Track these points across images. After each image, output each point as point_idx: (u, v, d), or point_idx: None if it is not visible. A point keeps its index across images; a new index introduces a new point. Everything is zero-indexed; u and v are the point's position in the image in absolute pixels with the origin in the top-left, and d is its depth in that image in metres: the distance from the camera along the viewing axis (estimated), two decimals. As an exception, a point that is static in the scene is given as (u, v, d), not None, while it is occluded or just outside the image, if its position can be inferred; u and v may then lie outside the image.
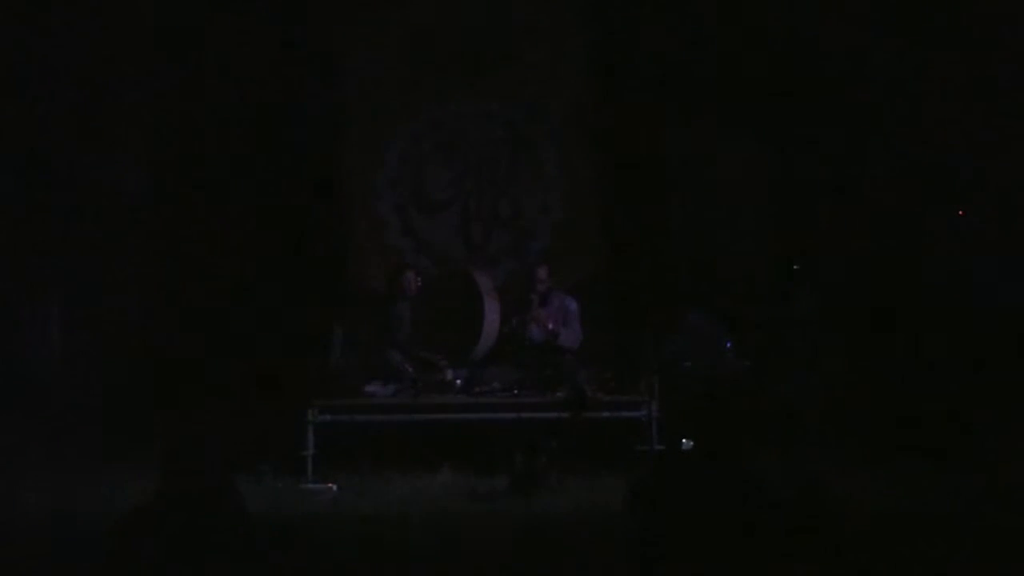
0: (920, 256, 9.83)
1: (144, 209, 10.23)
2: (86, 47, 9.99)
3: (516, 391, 8.78)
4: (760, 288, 9.89)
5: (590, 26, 10.36)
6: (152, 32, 10.12)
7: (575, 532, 6.68)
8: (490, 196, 10.54)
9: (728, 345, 9.17)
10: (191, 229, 10.17)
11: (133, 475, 8.16)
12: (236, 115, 10.15)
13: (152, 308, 10.13)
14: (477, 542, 6.53)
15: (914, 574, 5.80)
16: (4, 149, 9.79)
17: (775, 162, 10.09)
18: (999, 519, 6.57)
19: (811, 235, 9.97)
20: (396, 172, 10.55)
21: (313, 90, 10.34)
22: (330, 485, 7.92)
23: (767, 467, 4.66)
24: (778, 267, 10.06)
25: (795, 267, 10.04)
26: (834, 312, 9.58)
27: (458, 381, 8.90)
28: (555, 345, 9.22)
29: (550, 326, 9.27)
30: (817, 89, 9.91)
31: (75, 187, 10.04)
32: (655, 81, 10.07)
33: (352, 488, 7.92)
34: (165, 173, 10.25)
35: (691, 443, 6.94)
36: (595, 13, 10.34)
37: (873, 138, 9.90)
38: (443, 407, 8.61)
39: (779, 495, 4.46)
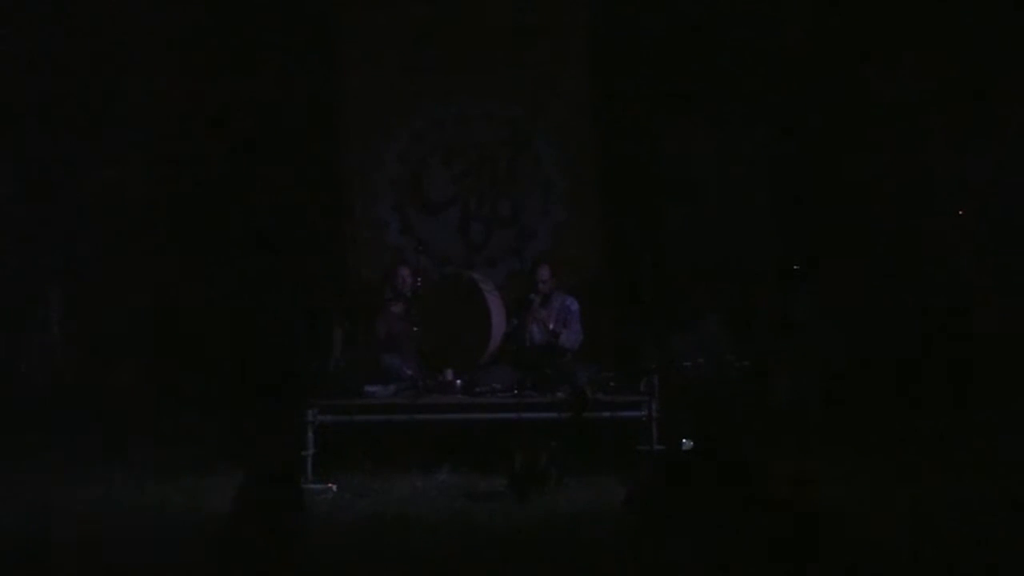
0: (920, 256, 9.84)
1: (144, 209, 10.23)
2: (85, 45, 10.01)
3: (516, 391, 8.77)
4: (760, 288, 9.89)
5: (590, 26, 10.36)
6: (152, 31, 10.13)
7: (575, 532, 6.68)
8: (490, 196, 10.54)
9: (728, 345, 9.17)
10: (191, 229, 10.17)
11: (132, 475, 8.21)
12: (236, 115, 10.15)
13: (151, 309, 10.14)
14: (477, 542, 6.53)
15: (911, 573, 5.80)
16: (5, 149, 9.81)
17: (775, 162, 10.09)
18: (996, 519, 6.58)
19: (812, 235, 9.97)
20: (396, 172, 10.56)
21: (313, 90, 10.35)
22: (330, 485, 7.92)
23: (766, 467, 4.67)
24: (778, 267, 10.06)
25: (795, 267, 10.04)
26: (834, 312, 9.59)
27: (458, 381, 8.89)
28: (556, 345, 9.22)
29: (551, 326, 9.27)
30: (818, 89, 9.92)
31: (75, 186, 10.05)
32: (655, 81, 10.07)
33: (352, 488, 7.92)
34: (165, 173, 10.25)
35: (691, 443, 6.95)
36: (595, 13, 10.33)
37: (874, 138, 9.91)
38: (443, 407, 8.61)
39: (777, 495, 4.47)
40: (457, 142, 10.56)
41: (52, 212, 10.02)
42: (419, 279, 9.46)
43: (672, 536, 4.38)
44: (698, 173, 10.11)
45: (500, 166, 10.54)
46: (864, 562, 5.61)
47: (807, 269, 9.96)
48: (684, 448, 7.73)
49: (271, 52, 10.20)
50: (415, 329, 9.18)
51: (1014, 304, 9.47)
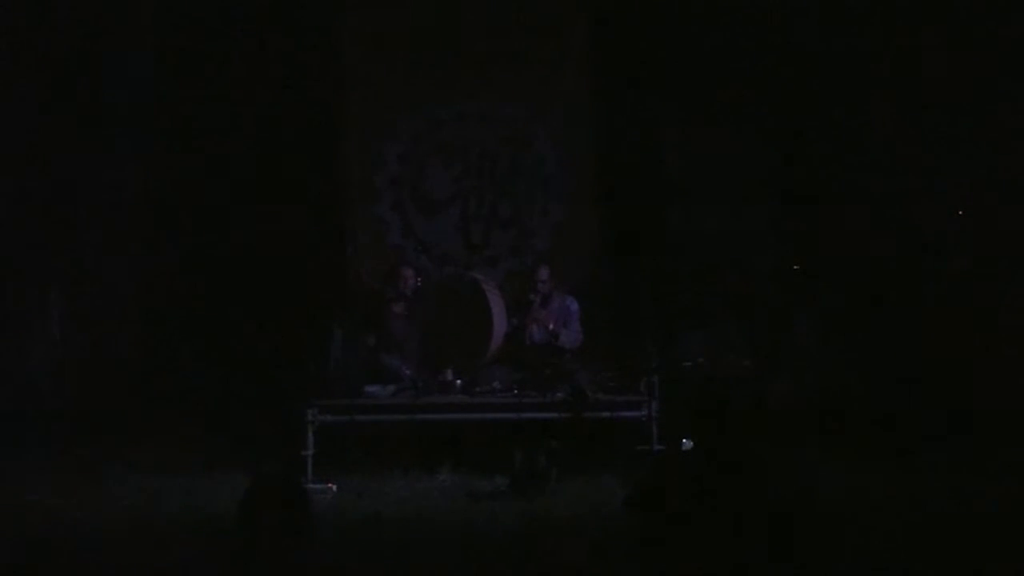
0: (920, 256, 9.84)
1: (144, 209, 10.23)
2: (87, 44, 10.01)
3: (516, 391, 8.77)
4: (760, 288, 9.89)
5: (591, 26, 10.36)
6: (152, 31, 10.13)
7: (575, 532, 6.68)
8: (490, 196, 10.54)
9: (728, 345, 9.16)
10: (191, 229, 10.17)
11: (132, 475, 8.20)
12: (236, 115, 10.15)
13: (151, 309, 10.14)
14: (477, 542, 6.53)
15: (908, 573, 5.80)
16: (4, 149, 9.81)
17: (776, 161, 10.09)
18: (994, 519, 6.58)
19: (811, 235, 9.97)
20: (396, 172, 10.56)
21: (313, 90, 10.35)
22: (330, 485, 7.92)
23: (765, 467, 4.66)
24: (778, 267, 10.06)
25: (795, 267, 10.04)
26: (834, 312, 9.59)
27: (458, 381, 8.89)
28: (555, 345, 9.22)
29: (550, 327, 9.27)
30: (818, 90, 9.92)
31: (75, 186, 10.05)
32: (655, 81, 10.07)
33: (352, 488, 7.92)
34: (165, 173, 10.25)
35: (691, 443, 6.95)
36: (595, 13, 10.34)
37: (875, 138, 9.91)
38: (443, 407, 8.60)
39: (776, 495, 4.47)
40: (457, 142, 10.56)
41: (52, 212, 10.02)
42: (419, 279, 9.46)
43: (672, 536, 4.38)
44: (698, 173, 10.11)
45: (500, 166, 10.54)
46: (863, 561, 5.61)
47: (807, 269, 9.96)
48: (684, 448, 7.72)
49: (272, 52, 10.20)
50: (417, 329, 9.18)
51: (1014, 305, 9.46)
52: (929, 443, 8.42)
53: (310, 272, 10.13)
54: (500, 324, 9.01)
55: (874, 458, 8.21)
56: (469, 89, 10.49)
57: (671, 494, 4.53)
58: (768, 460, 4.72)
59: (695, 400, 8.51)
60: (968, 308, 9.56)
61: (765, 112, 9.98)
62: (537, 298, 9.36)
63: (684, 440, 7.74)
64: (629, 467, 7.75)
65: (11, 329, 9.81)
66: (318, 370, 8.90)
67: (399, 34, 10.46)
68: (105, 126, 10.09)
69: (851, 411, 8.96)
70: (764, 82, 9.93)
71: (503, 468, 7.93)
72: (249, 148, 10.19)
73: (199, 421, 9.14)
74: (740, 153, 10.05)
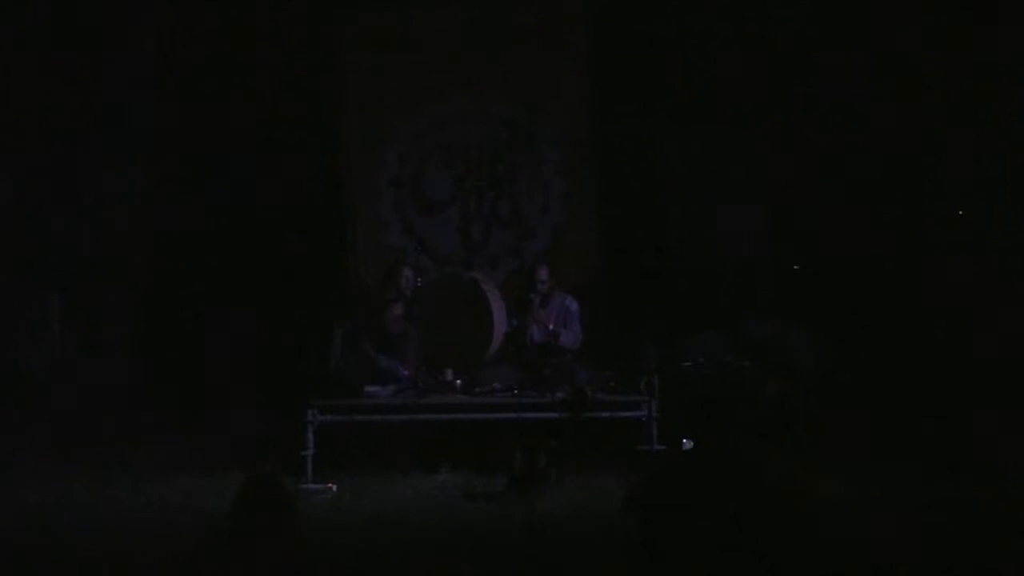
0: (919, 257, 9.84)
1: (144, 209, 10.23)
2: (86, 47, 10.01)
3: (516, 391, 8.77)
4: (759, 288, 9.89)
5: (590, 26, 10.36)
6: (152, 32, 10.13)
7: (575, 532, 6.68)
8: (490, 196, 10.54)
9: (727, 345, 9.16)
10: (191, 229, 10.17)
11: (131, 475, 8.21)
12: (236, 115, 10.16)
13: (151, 309, 10.14)
14: (477, 542, 6.53)
15: (907, 573, 5.80)
16: (5, 148, 9.81)
17: (776, 162, 10.09)
18: (993, 521, 6.57)
19: (811, 236, 9.97)
20: (396, 172, 10.56)
21: (313, 90, 10.35)
22: (330, 485, 7.92)
23: (764, 467, 4.66)
24: (778, 267, 10.05)
25: (795, 267, 10.04)
26: (833, 313, 9.59)
27: (458, 381, 8.90)
28: (555, 345, 9.23)
29: (550, 327, 9.28)
30: (817, 90, 9.92)
31: (75, 186, 10.05)
32: (655, 81, 10.07)
33: (352, 488, 7.92)
34: (165, 173, 10.25)
35: (691, 443, 6.94)
36: (595, 13, 10.34)
37: (872, 140, 9.91)
38: (443, 407, 8.61)
39: (776, 495, 4.46)
40: (457, 142, 10.55)
41: (52, 213, 10.02)
42: (419, 279, 9.47)
43: (672, 536, 4.38)
44: (698, 173, 10.10)
45: (500, 166, 10.54)
46: (861, 563, 5.61)
47: (806, 269, 9.97)
48: (684, 448, 7.73)
49: (272, 53, 10.21)
50: (416, 329, 9.18)
51: (1014, 310, 9.45)
52: (927, 445, 8.42)
53: (310, 272, 10.13)
54: (500, 324, 9.01)
55: (873, 459, 8.21)
56: (469, 89, 10.49)
57: (671, 494, 4.53)
58: (767, 460, 4.72)
59: (694, 400, 8.55)
60: (967, 309, 9.55)
61: (765, 111, 9.97)
62: (537, 298, 9.36)
63: (684, 440, 7.75)
64: (629, 467, 7.75)
65: (11, 328, 9.81)
66: (318, 370, 8.91)
67: (399, 34, 10.45)
68: (106, 125, 10.09)
69: (850, 411, 8.96)
70: (764, 82, 9.92)
71: (503, 468, 7.93)
72: (250, 148, 10.19)
73: (199, 421, 9.14)
74: (740, 153, 10.04)
